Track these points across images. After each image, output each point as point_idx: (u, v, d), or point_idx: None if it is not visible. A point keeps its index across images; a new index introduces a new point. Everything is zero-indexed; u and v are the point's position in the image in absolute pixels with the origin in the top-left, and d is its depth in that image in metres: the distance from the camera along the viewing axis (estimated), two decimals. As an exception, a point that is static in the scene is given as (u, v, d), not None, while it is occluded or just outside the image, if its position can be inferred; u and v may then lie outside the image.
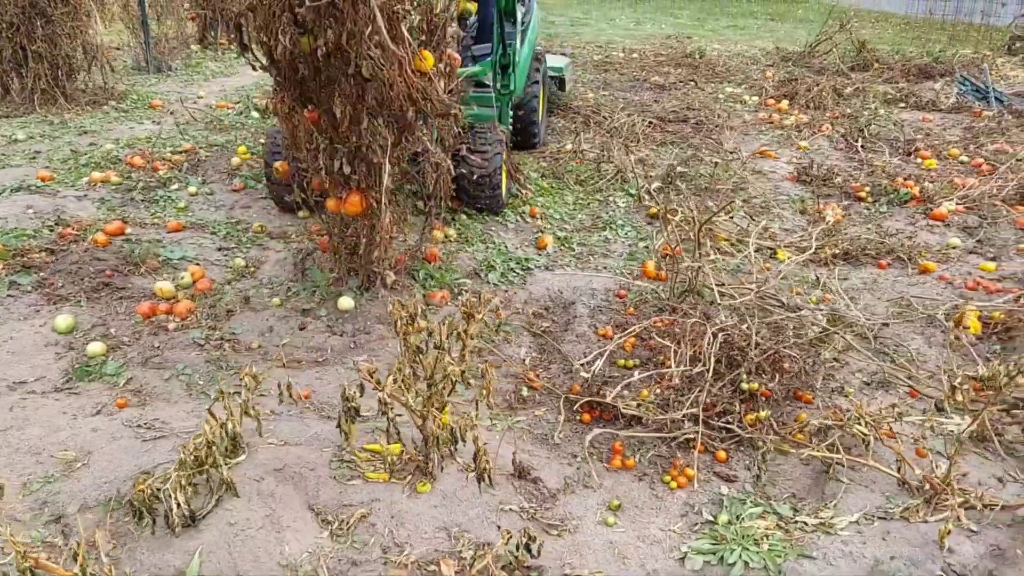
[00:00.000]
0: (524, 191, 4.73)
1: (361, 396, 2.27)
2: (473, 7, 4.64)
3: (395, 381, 2.16)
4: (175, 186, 4.79)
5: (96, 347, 2.99)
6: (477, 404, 2.25)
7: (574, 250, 4.21)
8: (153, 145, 5.53)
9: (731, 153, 5.66)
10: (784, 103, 7.12)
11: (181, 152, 5.37)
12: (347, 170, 3.01)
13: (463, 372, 2.21)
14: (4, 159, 5.17)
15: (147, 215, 4.39)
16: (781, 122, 6.61)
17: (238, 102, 6.90)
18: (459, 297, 3.59)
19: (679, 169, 5.02)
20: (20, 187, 4.56)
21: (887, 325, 3.29)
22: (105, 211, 4.39)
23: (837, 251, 4.02)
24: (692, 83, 7.96)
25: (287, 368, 2.99)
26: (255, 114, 6.53)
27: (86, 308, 3.28)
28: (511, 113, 4.79)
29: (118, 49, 8.97)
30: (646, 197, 4.56)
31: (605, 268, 4.00)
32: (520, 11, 4.92)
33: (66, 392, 2.81)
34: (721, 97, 7.46)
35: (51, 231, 3.97)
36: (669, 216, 3.69)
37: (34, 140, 5.64)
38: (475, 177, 4.16)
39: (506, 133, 4.45)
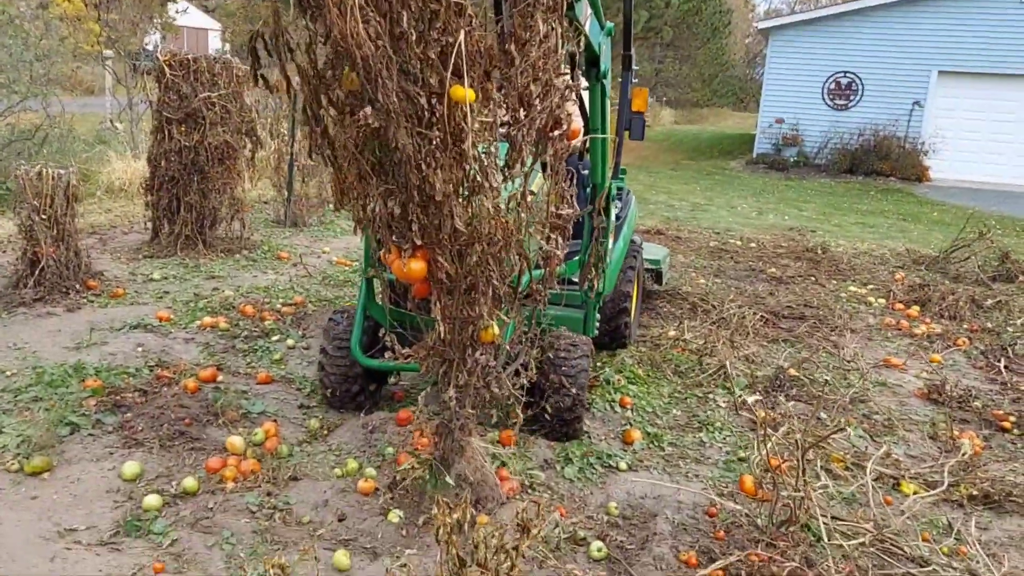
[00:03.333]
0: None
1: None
2: None
3: (426, 600, 1.90)
4: (276, 337, 4.92)
5: (152, 500, 2.92)
6: (518, 640, 1.94)
7: (664, 450, 3.87)
8: (268, 295, 5.80)
9: (851, 360, 5.24)
10: (915, 309, 6.65)
11: (291, 304, 5.58)
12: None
13: (505, 599, 1.93)
14: (136, 296, 5.55)
15: (243, 364, 4.49)
16: (911, 330, 6.13)
17: (356, 260, 7.23)
18: (529, 492, 3.33)
19: (790, 372, 4.65)
20: (138, 325, 4.83)
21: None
22: (206, 355, 4.53)
23: (976, 492, 3.46)
24: (812, 278, 7.65)
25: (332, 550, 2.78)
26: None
27: (157, 456, 3.27)
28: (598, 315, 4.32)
29: (266, 203, 9.80)
30: (744, 405, 4.20)
31: (697, 476, 3.63)
32: (616, 207, 4.61)
33: (109, 547, 2.71)
34: (843, 296, 7.08)
35: (151, 371, 4.11)
36: (770, 430, 3.33)
37: (167, 281, 6.06)
38: (556, 395, 3.63)
39: (590, 345, 3.95)
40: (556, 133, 2.60)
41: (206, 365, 4.31)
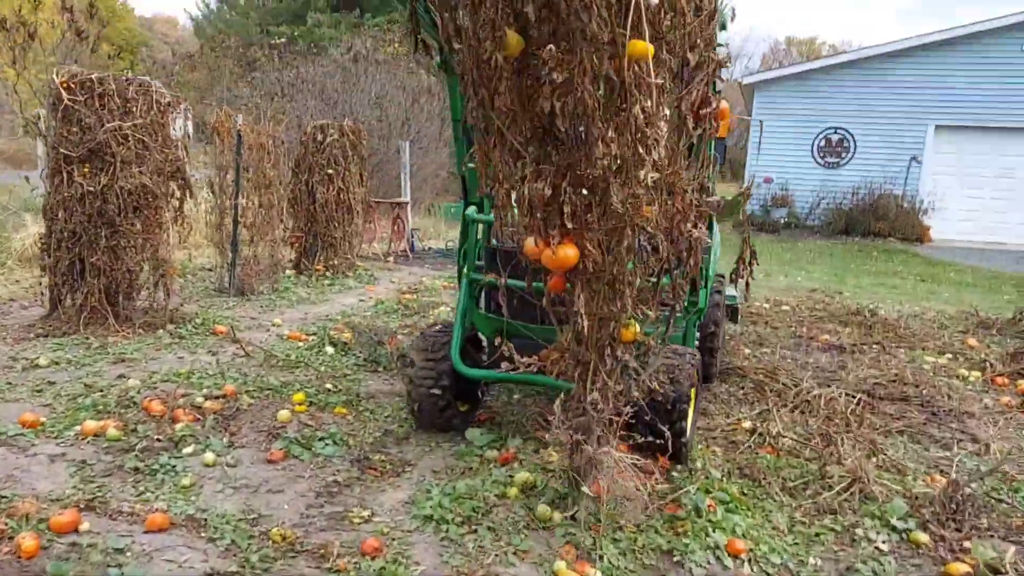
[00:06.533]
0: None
1: None
2: None
3: None
4: (189, 448, 3.30)
5: None
6: None
7: (816, 633, 2.33)
8: (188, 384, 4.18)
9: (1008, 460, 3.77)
10: (1023, 383, 5.28)
11: (217, 396, 3.97)
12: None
13: None
14: (6, 391, 3.90)
15: (131, 495, 2.86)
16: (1035, 410, 4.73)
17: (313, 334, 5.64)
18: None
19: (967, 490, 3.16)
20: (-15, 436, 3.18)
21: None
22: (77, 483, 2.89)
23: None
24: (878, 347, 6.28)
25: None
26: (329, 349, 5.21)
27: None
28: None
29: (210, 271, 8.23)
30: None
31: None
32: (716, 226, 4.44)
33: None
34: (926, 368, 5.70)
35: (-36, 523, 2.46)
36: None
37: (57, 367, 4.43)
38: (658, 402, 3.26)
39: (696, 354, 3.70)
40: (705, 111, 2.45)
41: (67, 502, 2.68)
